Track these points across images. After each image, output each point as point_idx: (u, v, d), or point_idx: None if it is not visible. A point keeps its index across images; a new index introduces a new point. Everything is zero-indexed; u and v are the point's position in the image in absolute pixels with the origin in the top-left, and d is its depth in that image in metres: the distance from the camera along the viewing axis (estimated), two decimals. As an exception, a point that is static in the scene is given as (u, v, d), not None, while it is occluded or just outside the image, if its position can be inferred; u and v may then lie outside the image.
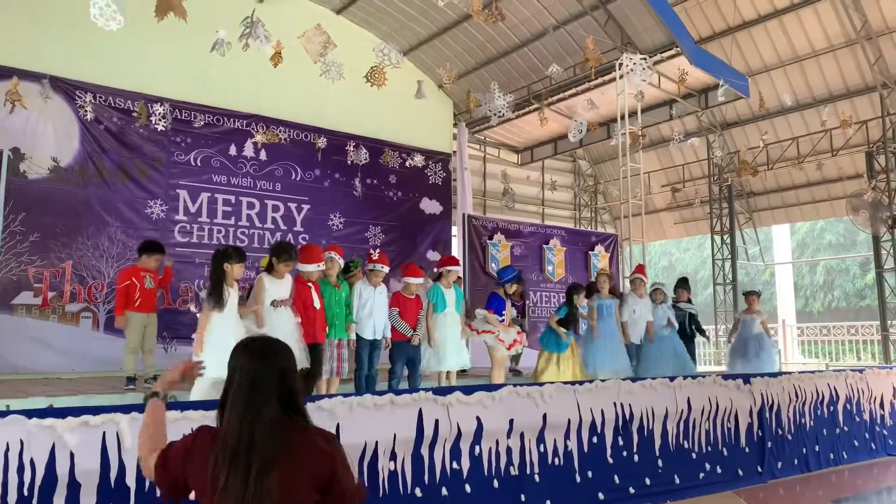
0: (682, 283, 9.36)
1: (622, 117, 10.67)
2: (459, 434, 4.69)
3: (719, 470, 6.40)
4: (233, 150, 11.10)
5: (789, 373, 7.70)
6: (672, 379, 6.25)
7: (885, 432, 8.39)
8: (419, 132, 13.24)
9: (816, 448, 7.46)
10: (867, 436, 8.13)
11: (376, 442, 4.30)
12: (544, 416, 5.16)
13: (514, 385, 5.16)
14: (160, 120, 9.74)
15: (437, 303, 7.01)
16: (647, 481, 5.81)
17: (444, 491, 4.60)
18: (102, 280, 9.79)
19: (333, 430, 4.12)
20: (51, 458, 3.26)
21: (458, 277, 7.44)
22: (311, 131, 11.76)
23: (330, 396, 4.32)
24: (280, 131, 11.45)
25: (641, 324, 8.46)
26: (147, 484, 3.52)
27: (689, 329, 8.96)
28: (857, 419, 8.04)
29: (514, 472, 4.96)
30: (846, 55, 11.61)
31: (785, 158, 12.75)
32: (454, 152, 13.88)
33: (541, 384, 5.45)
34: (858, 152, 11.78)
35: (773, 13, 11.66)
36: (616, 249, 14.90)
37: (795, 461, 7.16)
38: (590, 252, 14.15)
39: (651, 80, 11.13)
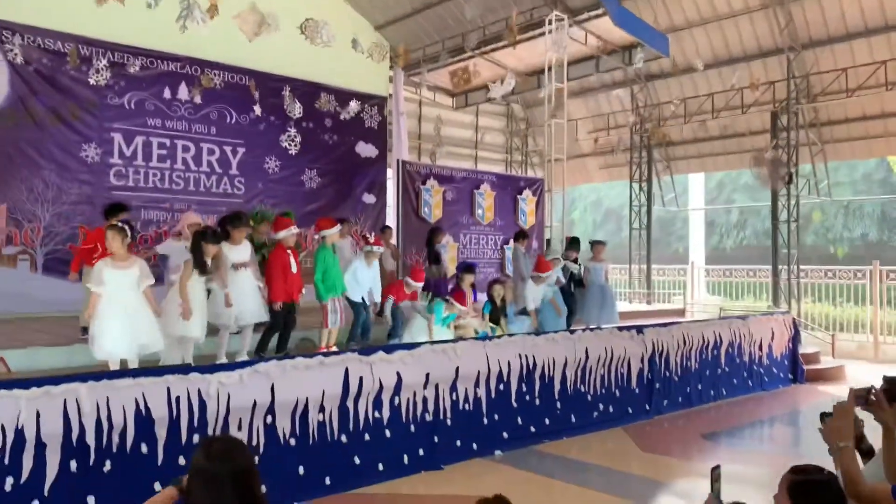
0: (573, 244, 10.15)
1: (548, 71, 11.14)
2: (381, 388, 5.39)
3: (611, 409, 7.38)
4: (167, 94, 11.13)
5: (679, 322, 8.68)
6: (573, 332, 7.09)
7: (761, 370, 9.60)
8: (355, 75, 13.42)
9: (699, 387, 8.56)
10: (745, 374, 9.31)
11: (307, 398, 4.95)
12: (457, 369, 5.90)
13: (432, 343, 5.86)
14: (91, 69, 9.73)
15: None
16: (547, 421, 6.70)
17: (367, 436, 5.33)
18: (39, 223, 9.93)
19: (269, 390, 4.75)
20: (17, 422, 3.78)
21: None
22: (246, 74, 11.83)
23: (267, 360, 4.92)
24: (214, 74, 11.50)
25: None
26: (105, 440, 4.10)
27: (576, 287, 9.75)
28: (738, 360, 9.18)
29: (428, 417, 5.73)
30: (761, 18, 12.29)
31: (701, 111, 13.56)
32: (390, 95, 14.14)
33: (455, 341, 6.17)
34: (766, 111, 12.65)
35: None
36: (542, 194, 15.68)
37: (680, 399, 8.23)
38: (518, 196, 14.86)
39: (577, 38, 11.60)
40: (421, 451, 5.64)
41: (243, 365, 4.75)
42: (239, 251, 6.26)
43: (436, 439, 5.75)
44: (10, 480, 3.75)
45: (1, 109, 9.59)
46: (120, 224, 5.43)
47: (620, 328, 7.73)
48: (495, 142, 17.25)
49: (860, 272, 12.77)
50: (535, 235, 14.30)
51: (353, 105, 12.77)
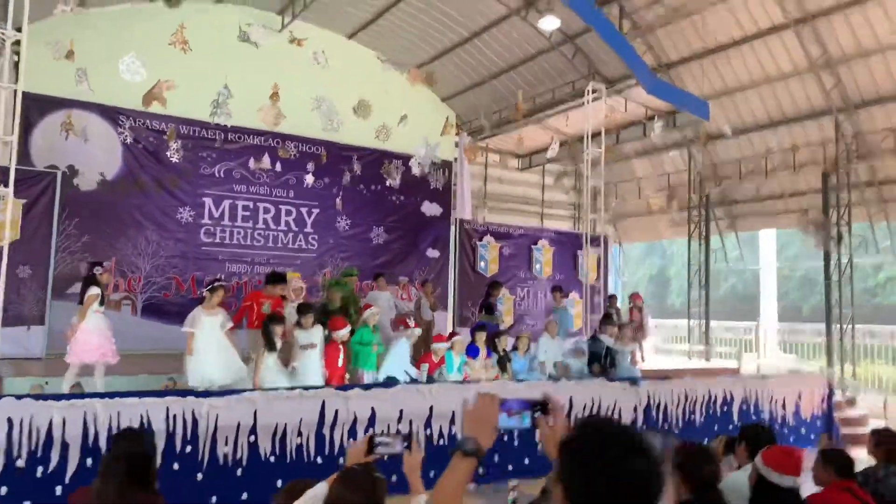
0: (606, 319, 10.14)
1: (587, 137, 11.89)
2: (356, 419, 6.36)
3: (599, 455, 7.86)
4: (251, 164, 12.89)
5: (680, 378, 9.01)
6: (556, 380, 7.74)
7: (785, 430, 9.61)
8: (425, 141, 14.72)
9: (706, 441, 8.78)
10: (765, 432, 9.37)
11: (286, 424, 6.01)
12: (430, 408, 6.76)
13: (406, 383, 6.78)
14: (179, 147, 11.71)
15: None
16: (526, 461, 7.35)
17: (342, 460, 6.27)
18: (140, 274, 11.83)
19: (251, 417, 5.86)
20: (49, 426, 5.10)
21: None
22: (322, 145, 13.41)
23: (252, 391, 6.05)
24: (295, 146, 13.17)
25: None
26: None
27: (603, 361, 9.44)
28: (754, 418, 9.29)
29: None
30: (810, 79, 12.45)
31: (755, 172, 13.73)
32: (455, 159, 15.34)
33: (429, 383, 7.05)
34: (818, 171, 12.67)
35: (744, 39, 12.59)
36: (605, 250, 16.16)
37: (681, 451, 8.52)
38: (578, 252, 15.46)
39: (616, 105, 12.33)
40: (394, 478, 6.49)
41: (232, 392, 5.90)
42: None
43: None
44: (40, 469, 5.05)
45: (114, 180, 11.65)
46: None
47: (611, 379, 8.24)
48: (564, 199, 17.98)
49: (928, 334, 12.28)
50: (597, 292, 14.79)
51: (419, 168, 14.02)
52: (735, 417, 9.11)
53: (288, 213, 13.31)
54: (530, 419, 2.13)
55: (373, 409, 6.43)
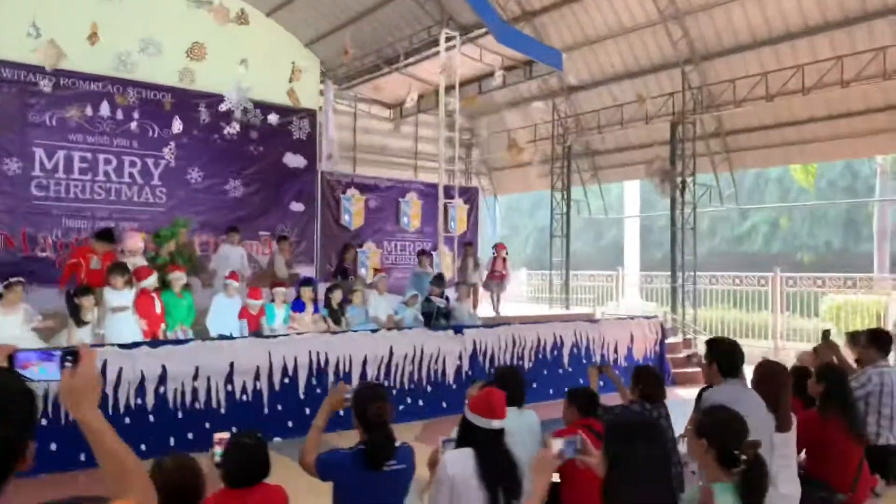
0: (438, 281, 10.08)
1: (442, 88, 11.72)
2: (143, 378, 6.09)
3: (421, 403, 7.93)
4: (89, 111, 12.04)
5: (508, 324, 9.15)
6: (375, 331, 7.69)
7: (616, 372, 9.96)
8: (284, 89, 14.13)
9: (534, 385, 9.00)
10: (595, 375, 9.70)
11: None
12: (231, 364, 6.57)
13: (202, 340, 6.55)
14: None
15: None
16: (340, 412, 7.28)
17: (127, 420, 6.03)
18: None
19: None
20: None
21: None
22: (169, 92, 12.64)
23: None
24: (139, 92, 12.36)
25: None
26: None
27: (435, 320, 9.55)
28: (585, 361, 9.59)
29: (199, 406, 6.40)
30: (661, 31, 12.66)
31: (610, 123, 13.98)
32: (320, 108, 14.86)
33: (226, 338, 6.85)
34: (666, 122, 13.00)
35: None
36: (475, 203, 16.22)
37: (509, 396, 8.70)
38: (447, 204, 15.43)
39: (472, 55, 12.18)
40: (190, 435, 6.32)
41: None
42: None
43: (208, 425, 6.41)
44: None
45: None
46: None
47: (435, 328, 8.28)
48: (448, 154, 17.86)
49: (763, 279, 12.99)
50: (465, 243, 14.81)
51: (280, 118, 13.42)
52: (566, 361, 9.38)
53: (132, 164, 12.55)
54: (59, 368, 1.91)
55: (163, 366, 6.18)
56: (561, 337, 9.33)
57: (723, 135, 13.17)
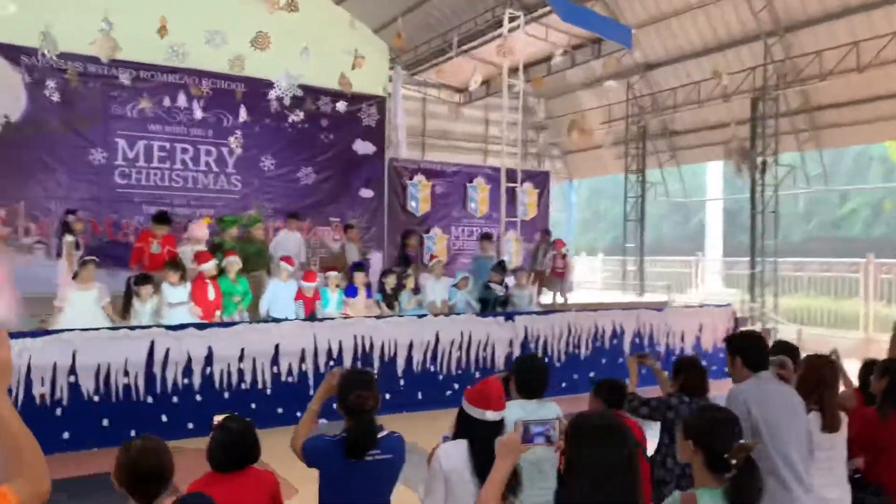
0: (498, 267, 9.71)
1: (514, 70, 11.47)
2: (190, 359, 6.29)
3: (469, 390, 7.81)
4: (167, 102, 12.55)
5: (563, 311, 8.88)
6: (422, 316, 7.63)
7: (682, 363, 9.52)
8: (354, 77, 14.23)
9: (592, 374, 8.73)
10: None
11: (109, 364, 5.94)
12: (276, 346, 6.68)
13: (250, 322, 6.69)
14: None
15: None
16: (387, 396, 7.30)
17: (175, 399, 6.25)
18: (53, 217, 11.67)
19: (70, 356, 5.78)
20: None
21: None
22: (245, 81, 12.98)
23: (71, 331, 5.96)
24: (213, 83, 12.77)
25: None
26: None
27: (492, 307, 9.18)
28: (648, 350, 9.20)
29: (245, 387, 6.56)
30: (740, 3, 11.92)
31: (687, 102, 13.31)
32: (389, 94, 14.90)
33: (278, 321, 6.96)
34: (745, 98, 12.24)
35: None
36: (546, 187, 15.86)
37: (563, 384, 8.46)
38: (517, 189, 15.16)
39: (538, 34, 11.87)
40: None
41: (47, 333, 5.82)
42: None
43: (253, 406, 6.57)
44: None
45: (18, 123, 11.36)
46: None
47: (485, 315, 8.14)
48: (511, 136, 17.57)
49: (854, 266, 12.04)
50: (542, 230, 14.60)
51: (351, 105, 13.50)
52: (627, 350, 9.03)
53: (208, 153, 13.03)
54: None
55: (210, 348, 6.36)
56: (621, 325, 8.98)
57: (809, 111, 12.28)
